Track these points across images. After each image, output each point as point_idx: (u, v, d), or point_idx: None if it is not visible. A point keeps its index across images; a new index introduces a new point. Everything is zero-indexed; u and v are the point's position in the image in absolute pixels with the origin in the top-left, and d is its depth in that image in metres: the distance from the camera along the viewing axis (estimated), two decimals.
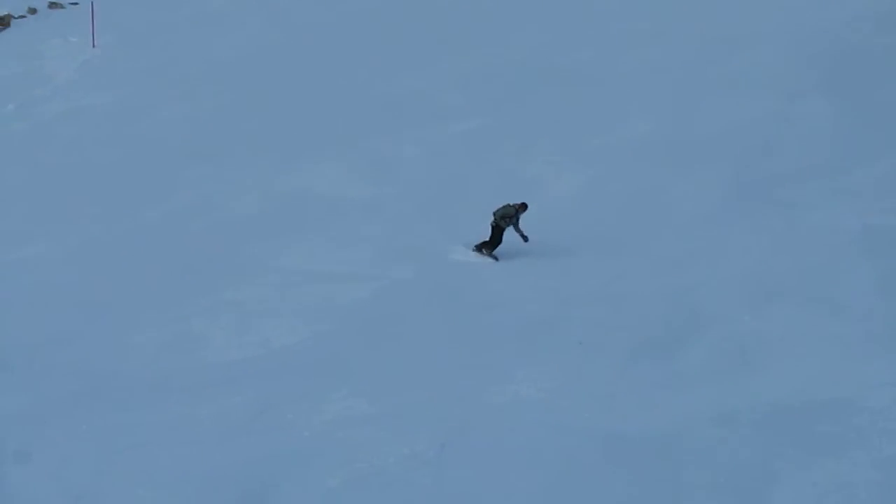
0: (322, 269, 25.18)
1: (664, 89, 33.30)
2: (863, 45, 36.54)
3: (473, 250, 24.68)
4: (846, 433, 15.50)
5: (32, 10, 54.60)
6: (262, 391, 18.70)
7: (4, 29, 52.07)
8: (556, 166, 29.42)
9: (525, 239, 23.90)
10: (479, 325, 21.42)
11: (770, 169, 26.90)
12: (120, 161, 34.74)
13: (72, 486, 15.59)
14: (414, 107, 35.32)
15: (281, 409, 17.89)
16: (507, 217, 23.86)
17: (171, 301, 23.84)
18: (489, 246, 24.43)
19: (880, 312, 19.48)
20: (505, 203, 24.09)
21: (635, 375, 18.68)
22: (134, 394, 19.04)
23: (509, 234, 24.27)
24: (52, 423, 17.72)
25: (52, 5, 55.17)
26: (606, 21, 41.42)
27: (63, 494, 15.40)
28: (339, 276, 24.53)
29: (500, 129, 32.30)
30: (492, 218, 24.13)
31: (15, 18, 53.06)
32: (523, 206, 23.95)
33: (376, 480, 14.75)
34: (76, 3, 54.21)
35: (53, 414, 18.34)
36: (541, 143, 31.31)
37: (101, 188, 32.66)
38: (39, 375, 20.24)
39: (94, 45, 48.67)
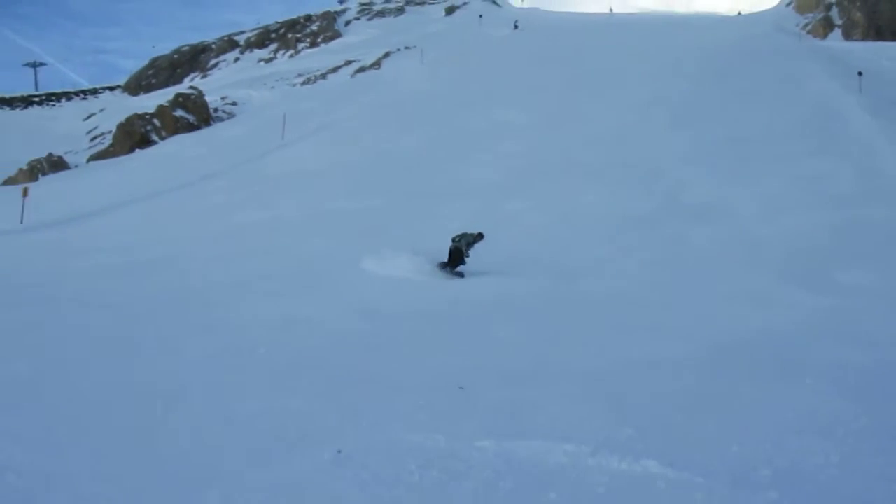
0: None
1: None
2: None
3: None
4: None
5: (397, 50, 69.51)
6: None
7: (386, 58, 67.74)
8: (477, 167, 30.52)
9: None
10: None
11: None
12: (429, 112, 42.46)
13: None
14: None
15: None
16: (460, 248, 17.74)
17: None
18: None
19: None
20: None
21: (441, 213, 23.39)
22: None
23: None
24: None
25: (406, 48, 69.60)
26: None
27: None
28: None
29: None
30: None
31: (392, 54, 68.18)
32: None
33: None
34: (415, 47, 67.54)
35: None
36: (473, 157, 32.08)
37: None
38: None
39: (422, 63, 61.16)
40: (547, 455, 6.59)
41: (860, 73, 33.33)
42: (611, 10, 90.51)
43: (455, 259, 17.37)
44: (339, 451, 6.60)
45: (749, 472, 6.29)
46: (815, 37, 69.14)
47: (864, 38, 67.52)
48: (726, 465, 6.45)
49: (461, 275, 17.06)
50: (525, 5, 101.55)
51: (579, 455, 6.58)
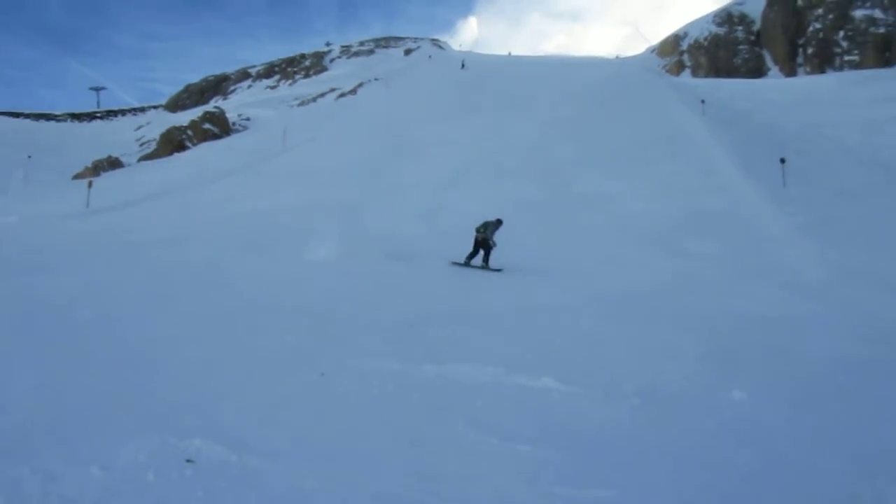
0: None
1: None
2: None
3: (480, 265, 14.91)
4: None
5: (369, 81, 66.28)
6: None
7: (361, 87, 64.49)
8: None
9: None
10: None
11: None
12: (390, 127, 39.24)
13: None
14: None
15: None
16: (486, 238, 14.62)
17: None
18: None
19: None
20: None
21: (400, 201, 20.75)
22: None
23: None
24: None
25: (375, 79, 66.96)
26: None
27: None
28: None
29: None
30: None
31: (364, 84, 65.32)
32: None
33: None
34: (382, 79, 65.19)
35: None
36: (421, 160, 31.54)
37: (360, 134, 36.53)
38: None
39: (387, 90, 58.93)
40: (474, 375, 6.63)
41: (703, 101, 33.77)
42: (510, 53, 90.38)
43: (481, 248, 14.88)
44: (322, 374, 6.54)
45: (618, 386, 6.40)
46: (671, 74, 69.84)
47: (707, 75, 68.59)
48: (602, 381, 6.54)
49: (499, 269, 14.50)
50: (463, 49, 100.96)
51: (497, 374, 6.64)
